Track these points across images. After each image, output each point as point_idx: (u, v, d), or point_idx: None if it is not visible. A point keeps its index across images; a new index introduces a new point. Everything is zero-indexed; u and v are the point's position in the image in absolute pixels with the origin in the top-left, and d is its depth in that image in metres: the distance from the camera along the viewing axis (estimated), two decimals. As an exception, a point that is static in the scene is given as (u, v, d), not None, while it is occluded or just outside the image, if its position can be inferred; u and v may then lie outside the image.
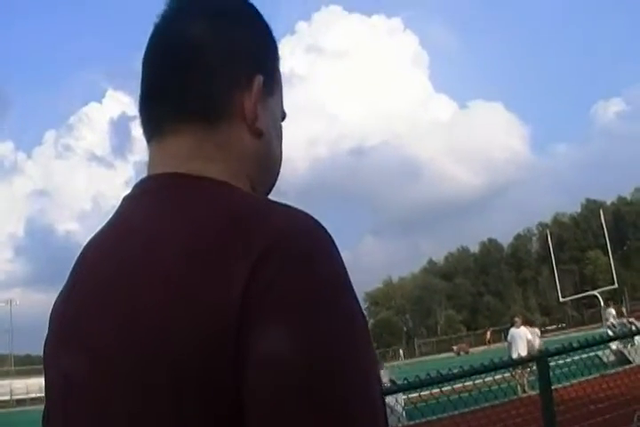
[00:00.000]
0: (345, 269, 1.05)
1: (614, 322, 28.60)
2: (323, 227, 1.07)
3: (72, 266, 1.26)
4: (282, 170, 1.37)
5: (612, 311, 32.61)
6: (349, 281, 1.05)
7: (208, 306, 0.98)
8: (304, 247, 1.02)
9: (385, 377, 18.06)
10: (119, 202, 1.26)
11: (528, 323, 28.60)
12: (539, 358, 6.67)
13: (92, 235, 1.27)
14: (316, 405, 0.93)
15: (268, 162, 1.31)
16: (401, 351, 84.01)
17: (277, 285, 0.97)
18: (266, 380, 0.94)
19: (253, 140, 1.26)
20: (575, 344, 7.04)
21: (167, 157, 1.23)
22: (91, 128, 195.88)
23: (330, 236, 1.07)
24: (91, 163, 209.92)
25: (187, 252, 1.04)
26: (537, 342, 25.28)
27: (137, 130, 1.31)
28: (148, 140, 1.29)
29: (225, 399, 0.96)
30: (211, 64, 1.25)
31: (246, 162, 1.25)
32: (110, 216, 1.25)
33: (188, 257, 1.03)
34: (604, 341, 8.71)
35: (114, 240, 1.19)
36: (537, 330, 30.12)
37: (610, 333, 16.42)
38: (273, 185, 1.36)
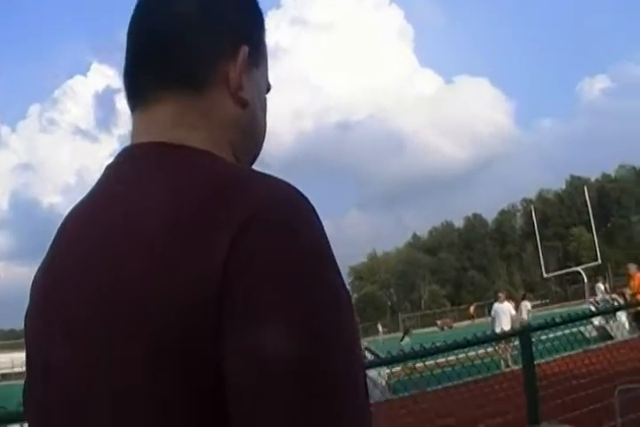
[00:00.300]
0: (327, 239, 1.05)
1: (599, 298, 28.71)
2: (305, 197, 1.07)
3: (53, 236, 1.25)
4: (266, 143, 1.37)
5: (601, 287, 32.57)
6: (332, 253, 1.05)
7: (190, 276, 0.98)
8: (286, 217, 1.02)
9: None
10: (102, 171, 1.26)
11: (517, 298, 28.71)
12: (521, 332, 6.70)
13: (74, 205, 1.26)
14: (295, 378, 0.93)
15: (251, 132, 1.31)
16: (379, 326, 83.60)
17: (258, 255, 0.97)
18: (246, 352, 0.94)
19: (237, 109, 1.26)
20: (558, 320, 7.07)
21: (150, 126, 1.23)
22: (75, 102, 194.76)
23: (312, 206, 1.07)
24: (75, 136, 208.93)
25: (169, 222, 1.03)
26: (526, 316, 25.43)
27: (122, 103, 1.31)
28: (132, 110, 1.28)
29: (206, 371, 0.96)
30: (195, 32, 1.25)
31: (230, 131, 1.25)
32: (93, 186, 1.25)
33: (171, 227, 1.03)
34: (587, 316, 8.79)
35: (95, 210, 1.18)
36: (528, 304, 30.23)
37: (592, 309, 16.52)
38: (256, 156, 1.36)
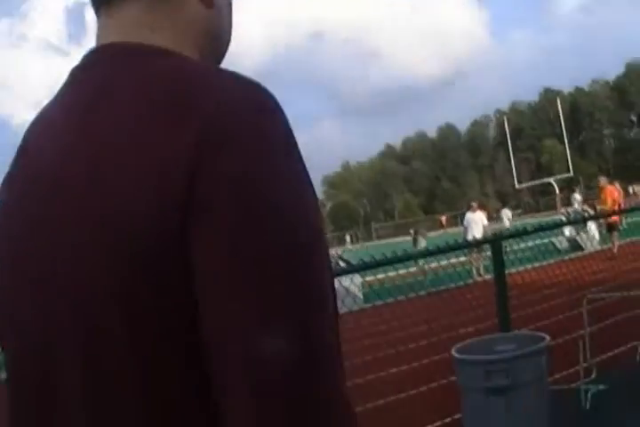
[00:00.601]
0: (293, 136, 1.03)
1: (572, 209, 29.01)
2: (272, 95, 1.05)
3: (19, 145, 1.22)
4: (237, 52, 1.35)
5: (578, 197, 32.74)
6: (298, 148, 1.03)
7: (157, 173, 0.96)
8: (253, 112, 1.00)
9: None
10: (67, 75, 1.22)
11: (489, 208, 29.19)
12: (493, 240, 6.75)
13: (39, 111, 1.24)
14: (262, 261, 0.92)
15: (218, 33, 1.29)
16: (347, 237, 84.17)
17: (226, 147, 0.95)
18: (213, 241, 0.92)
19: (203, 9, 1.23)
20: (530, 229, 7.14)
21: (114, 28, 1.19)
22: (45, 16, 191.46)
23: (279, 104, 1.04)
24: (46, 52, 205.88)
25: (134, 121, 1.01)
26: (508, 224, 25.78)
27: (92, 15, 1.27)
28: (97, 15, 1.24)
29: (176, 271, 0.94)
30: None
31: (196, 31, 1.22)
32: (57, 90, 1.21)
33: (136, 126, 1.00)
34: (558, 225, 8.89)
35: (59, 116, 1.15)
36: (509, 212, 30.53)
37: (563, 219, 16.73)
38: (222, 58, 1.34)
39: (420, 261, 11.55)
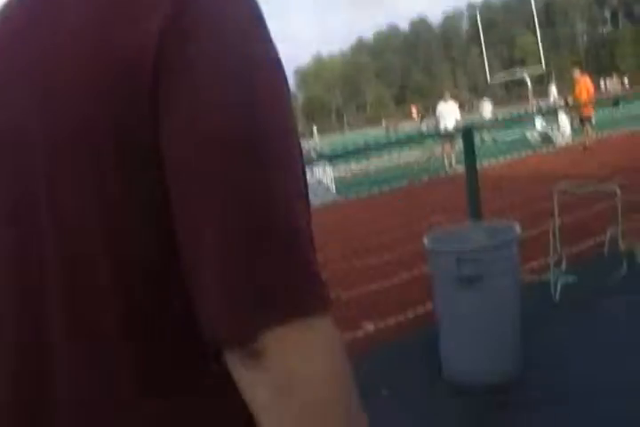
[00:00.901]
0: (265, 22, 0.97)
1: (544, 102, 28.94)
2: None
3: None
4: None
5: (554, 90, 32.40)
6: (270, 35, 0.97)
7: (124, 52, 0.90)
8: None
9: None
10: None
11: (462, 99, 29.35)
12: (464, 130, 6.70)
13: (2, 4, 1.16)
14: (230, 143, 0.86)
15: None
16: (314, 129, 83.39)
17: (193, 34, 0.89)
18: (182, 122, 0.87)
19: None
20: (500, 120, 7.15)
21: None
22: None
23: None
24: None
25: (97, 10, 0.94)
26: (490, 115, 25.86)
27: None
28: None
29: (144, 145, 0.88)
30: None
31: None
32: None
33: (102, 7, 0.94)
34: (529, 115, 8.93)
35: (19, 10, 1.08)
36: (489, 104, 30.45)
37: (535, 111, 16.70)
38: None
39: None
